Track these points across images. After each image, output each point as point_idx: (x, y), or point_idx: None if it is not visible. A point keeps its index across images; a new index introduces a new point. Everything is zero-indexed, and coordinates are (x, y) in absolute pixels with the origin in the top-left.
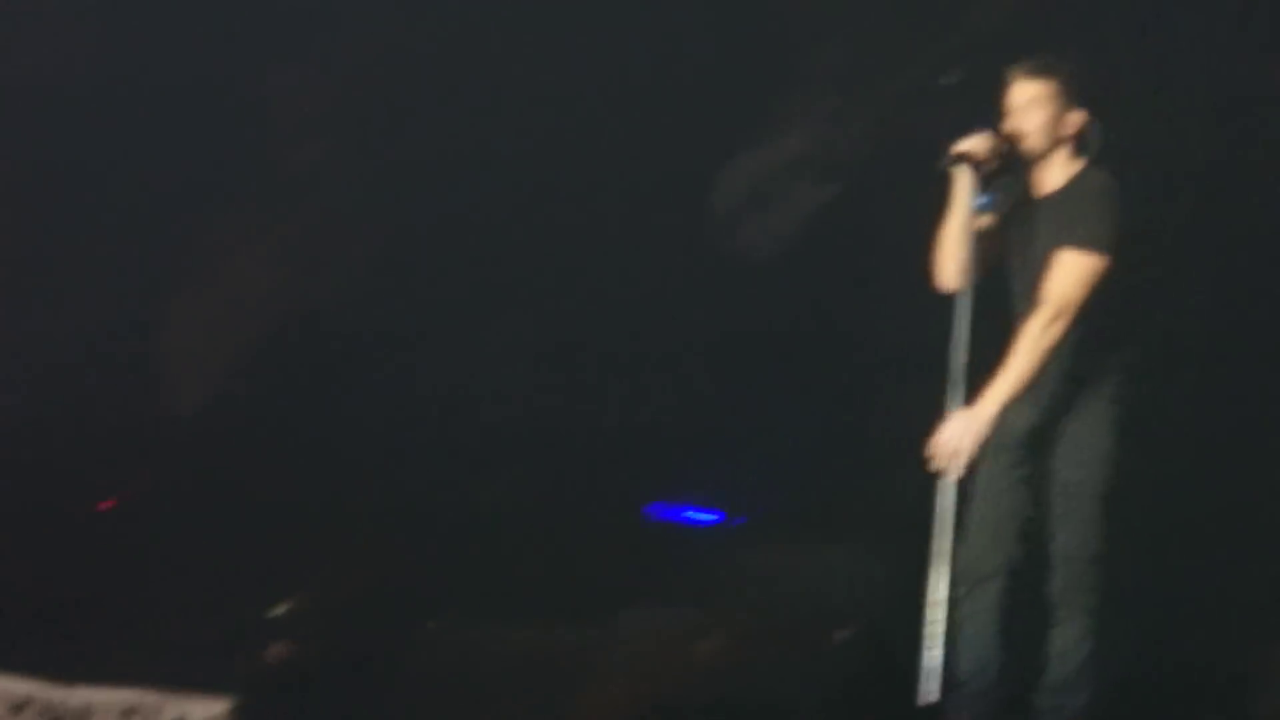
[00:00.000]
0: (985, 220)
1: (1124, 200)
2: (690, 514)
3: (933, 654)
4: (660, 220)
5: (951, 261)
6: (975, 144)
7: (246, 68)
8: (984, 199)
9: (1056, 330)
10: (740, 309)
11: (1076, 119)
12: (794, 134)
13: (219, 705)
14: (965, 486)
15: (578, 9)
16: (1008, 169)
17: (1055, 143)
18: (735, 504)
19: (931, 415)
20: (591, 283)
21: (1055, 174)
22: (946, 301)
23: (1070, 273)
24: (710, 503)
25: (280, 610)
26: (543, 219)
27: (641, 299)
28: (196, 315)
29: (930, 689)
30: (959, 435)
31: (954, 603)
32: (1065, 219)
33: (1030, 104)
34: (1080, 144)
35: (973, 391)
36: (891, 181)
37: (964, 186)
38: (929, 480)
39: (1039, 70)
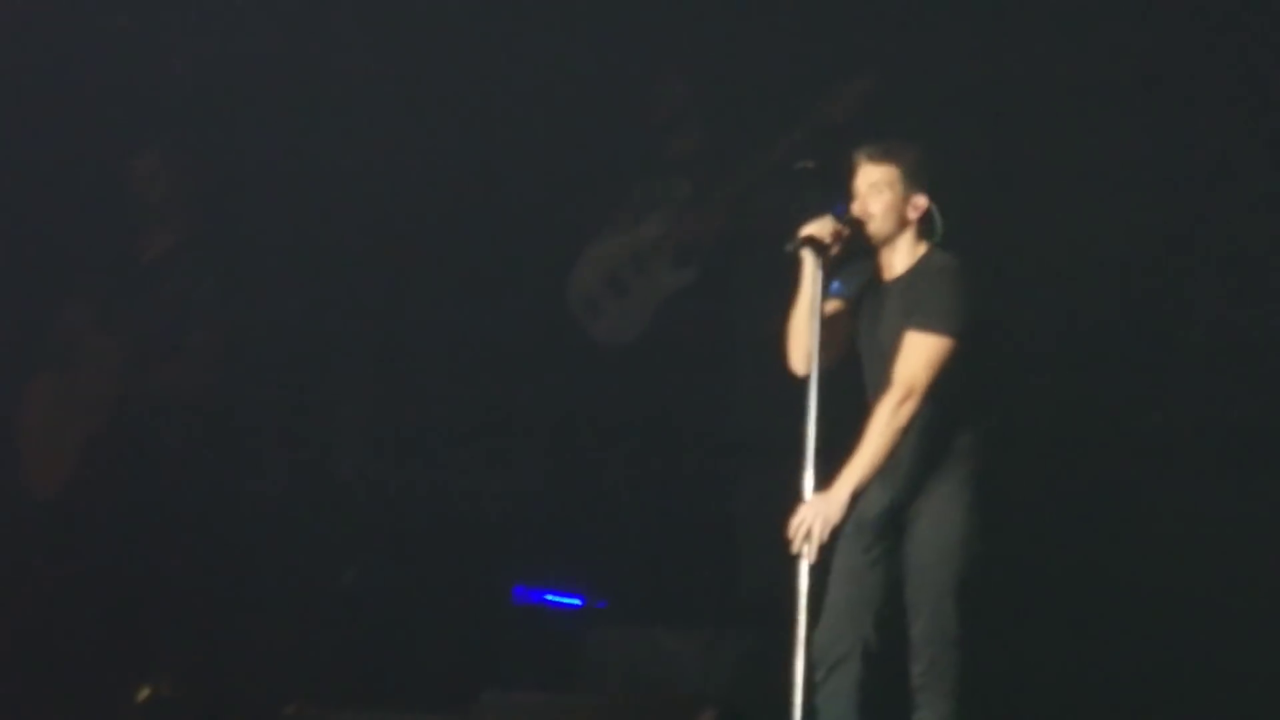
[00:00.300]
0: (835, 305)
1: (968, 281)
2: (552, 598)
3: None
4: (519, 305)
5: (801, 345)
6: (820, 228)
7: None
8: (834, 284)
9: (906, 411)
10: (600, 394)
11: (920, 203)
12: (650, 219)
13: None
14: (820, 570)
15: (435, 99)
16: (854, 254)
17: (900, 226)
18: (597, 588)
19: (792, 499)
20: (450, 366)
21: (901, 257)
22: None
23: (918, 354)
24: (572, 587)
25: (141, 696)
26: (395, 303)
27: (503, 383)
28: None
29: None
30: (812, 518)
31: (812, 686)
32: (911, 301)
33: (875, 188)
34: (925, 228)
35: (829, 474)
36: (748, 266)
37: (810, 270)
38: (790, 563)
39: (883, 154)
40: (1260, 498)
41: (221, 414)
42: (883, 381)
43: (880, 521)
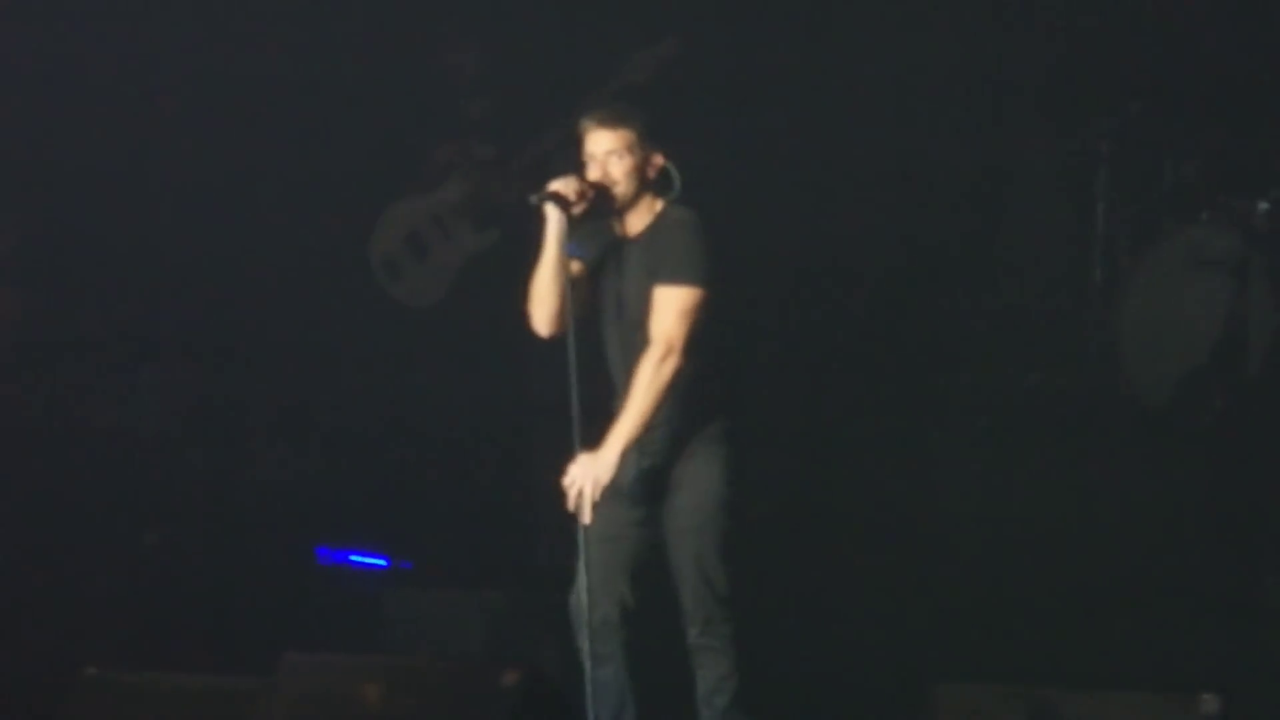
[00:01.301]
0: (574, 266)
1: (707, 233)
2: (356, 558)
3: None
4: (321, 265)
5: (545, 305)
6: (564, 185)
7: None
8: (570, 246)
9: (669, 367)
10: (398, 360)
11: (658, 161)
12: (451, 181)
13: None
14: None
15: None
16: (596, 214)
17: (638, 187)
18: (400, 548)
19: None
20: (256, 334)
21: (639, 216)
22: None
23: (670, 308)
24: (376, 547)
25: None
26: (187, 277)
27: (306, 347)
28: None
29: None
30: (582, 478)
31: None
32: (654, 258)
33: (613, 153)
34: (661, 184)
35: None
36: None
37: (555, 227)
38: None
39: (617, 119)
40: (1029, 461)
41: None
42: (626, 340)
43: (637, 486)
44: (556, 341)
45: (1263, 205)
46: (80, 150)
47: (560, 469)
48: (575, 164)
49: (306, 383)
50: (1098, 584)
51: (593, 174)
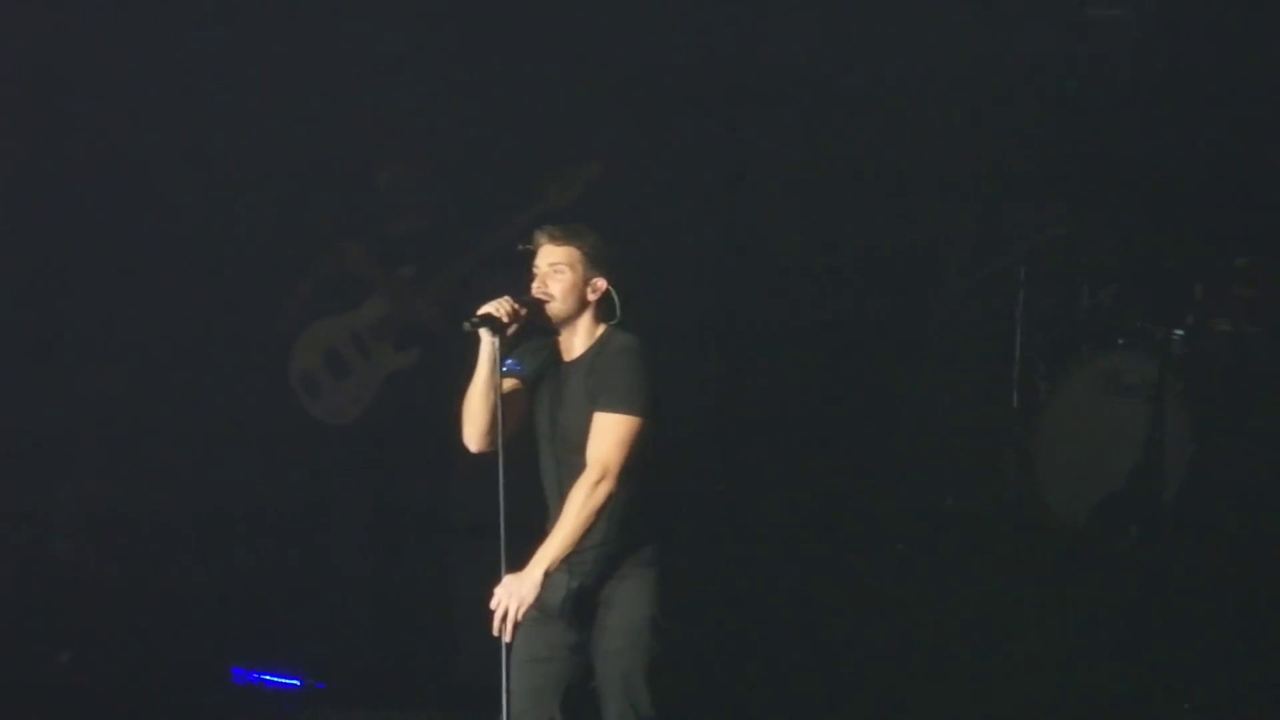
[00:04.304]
0: (511, 383)
1: (648, 359)
2: (270, 679)
3: None
4: (251, 380)
5: (475, 423)
6: (497, 307)
7: None
8: (509, 362)
9: (602, 492)
10: (322, 474)
11: (600, 284)
12: (372, 299)
13: None
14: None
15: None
16: (532, 333)
17: (580, 307)
18: (316, 669)
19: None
20: (171, 443)
21: (580, 338)
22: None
23: (608, 435)
24: (291, 668)
25: None
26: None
27: (227, 463)
28: None
29: None
30: (507, 598)
31: None
32: (595, 383)
33: (555, 268)
34: (604, 309)
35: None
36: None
37: (488, 349)
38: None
39: (565, 236)
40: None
41: None
42: (561, 461)
43: (565, 608)
44: (481, 460)
45: (1178, 332)
46: None
47: (487, 589)
48: (502, 283)
49: (222, 496)
50: (1014, 704)
51: (535, 287)
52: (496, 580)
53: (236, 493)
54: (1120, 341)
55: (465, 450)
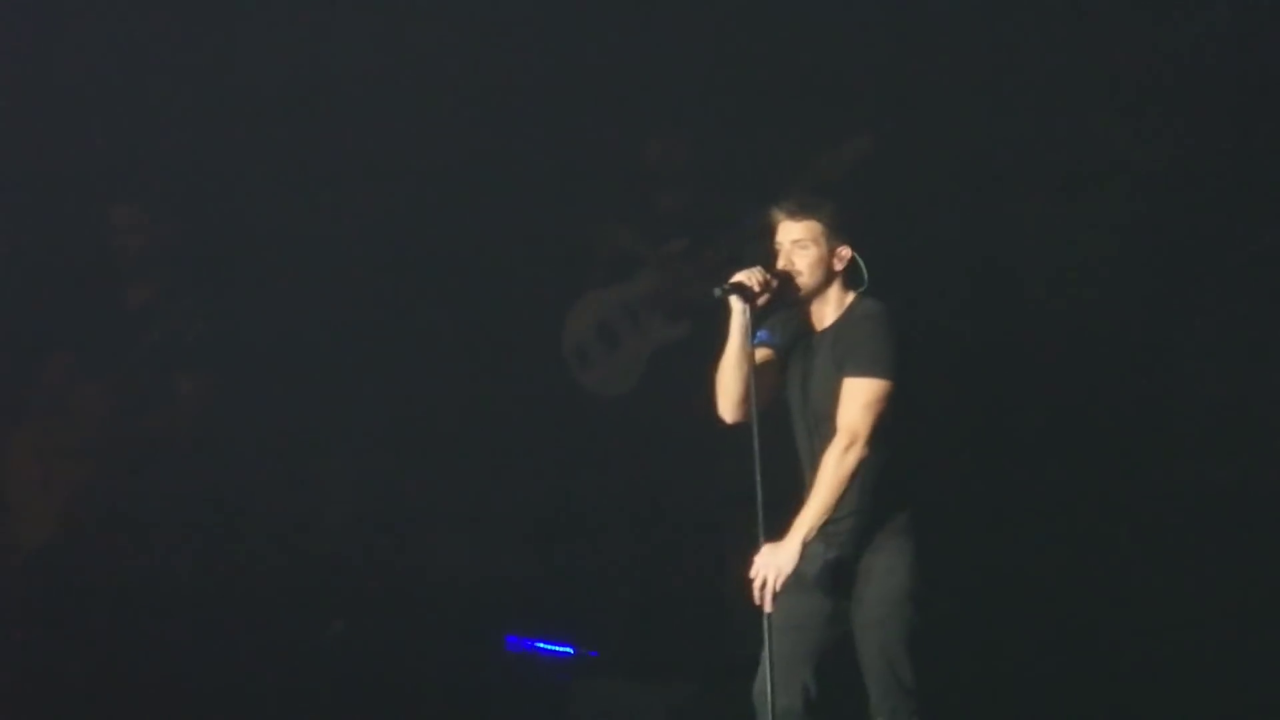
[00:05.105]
0: (763, 354)
1: (895, 325)
2: (544, 646)
3: None
4: (512, 354)
5: (728, 393)
6: (748, 276)
7: None
8: (762, 333)
9: (853, 458)
10: (586, 449)
11: (845, 253)
12: (645, 272)
13: None
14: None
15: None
16: (782, 304)
17: (827, 278)
18: (588, 638)
19: None
20: (447, 421)
21: (830, 308)
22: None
23: (856, 400)
24: (564, 636)
25: None
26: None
27: (501, 433)
28: None
29: None
30: (765, 569)
31: None
32: (842, 351)
33: (799, 243)
34: (850, 277)
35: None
36: None
37: (738, 318)
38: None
39: (802, 210)
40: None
41: (212, 464)
42: (814, 430)
43: (824, 577)
44: (743, 431)
45: None
46: None
47: (747, 560)
48: (767, 256)
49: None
50: None
51: (780, 263)
52: (756, 550)
53: (516, 458)
54: None
55: (722, 421)
